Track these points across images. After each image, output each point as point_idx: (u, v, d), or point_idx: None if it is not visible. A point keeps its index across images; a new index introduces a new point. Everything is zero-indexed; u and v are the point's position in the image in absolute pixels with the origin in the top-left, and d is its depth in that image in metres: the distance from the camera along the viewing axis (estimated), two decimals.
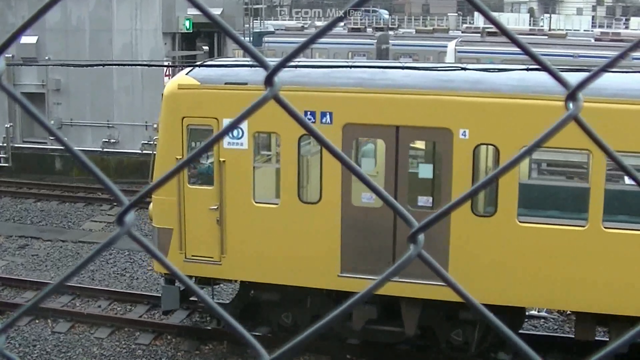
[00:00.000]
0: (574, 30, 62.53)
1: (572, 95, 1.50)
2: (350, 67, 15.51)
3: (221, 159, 14.96)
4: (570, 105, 1.50)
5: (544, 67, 1.49)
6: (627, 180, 16.27)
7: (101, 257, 21.95)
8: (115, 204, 27.16)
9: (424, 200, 14.54)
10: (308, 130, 1.57)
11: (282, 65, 1.53)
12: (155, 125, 30.89)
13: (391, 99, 14.27)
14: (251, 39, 38.38)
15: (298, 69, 15.42)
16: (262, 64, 1.57)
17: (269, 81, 1.54)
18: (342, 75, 14.82)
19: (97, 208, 27.05)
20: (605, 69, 1.48)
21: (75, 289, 19.49)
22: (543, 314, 17.57)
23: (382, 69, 15.33)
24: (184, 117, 14.98)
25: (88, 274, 20.80)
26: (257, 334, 16.41)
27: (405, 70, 15.05)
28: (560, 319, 17.88)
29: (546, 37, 42.99)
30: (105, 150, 31.92)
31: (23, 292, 19.39)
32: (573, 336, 16.95)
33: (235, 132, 14.79)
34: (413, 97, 14.17)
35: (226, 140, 14.87)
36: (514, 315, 15.19)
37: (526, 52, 1.47)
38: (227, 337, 16.71)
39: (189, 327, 17.45)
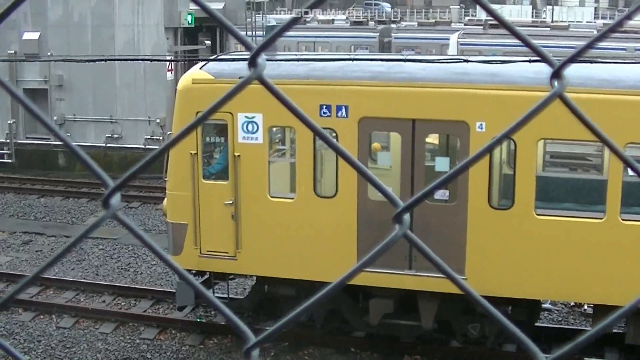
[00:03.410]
0: (577, 21, 62.41)
1: (556, 73, 1.50)
2: (353, 59, 15.49)
3: (236, 154, 14.92)
4: (556, 83, 1.50)
5: (529, 46, 1.49)
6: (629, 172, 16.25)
7: (105, 253, 22.00)
8: None
9: (440, 194, 14.48)
10: (297, 115, 1.56)
11: (264, 46, 1.53)
12: (158, 120, 30.95)
13: (407, 92, 14.22)
14: (264, 32, 38.32)
15: (314, 62, 15.40)
16: (246, 46, 1.56)
17: (252, 62, 1.54)
18: (358, 69, 14.76)
19: (100, 203, 26.96)
20: (588, 47, 1.48)
21: (79, 285, 19.53)
22: (547, 305, 17.56)
23: (398, 62, 15.27)
24: (198, 112, 14.88)
25: (92, 269, 20.85)
26: (267, 328, 16.45)
27: (421, 64, 15.01)
28: (564, 311, 17.87)
29: (549, 29, 42.92)
30: (108, 145, 31.95)
31: (27, 287, 19.34)
32: (577, 328, 17.00)
33: (250, 127, 14.77)
34: (429, 90, 14.12)
35: (241, 134, 14.84)
36: (531, 307, 15.20)
37: (511, 30, 1.47)
38: (232, 331, 16.70)
39: (193, 321, 17.46)
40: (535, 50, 1.49)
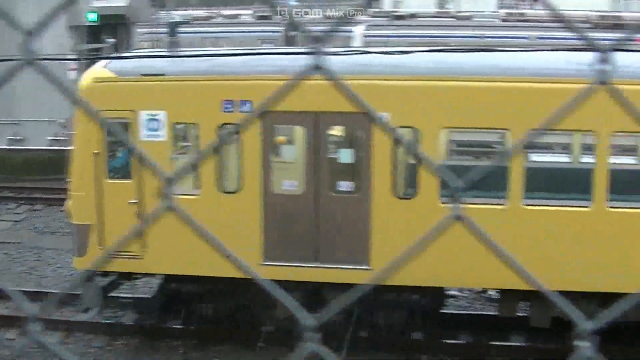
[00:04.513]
0: (480, 11, 63.13)
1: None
2: (256, 54, 15.44)
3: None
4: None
5: None
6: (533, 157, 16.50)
7: (9, 257, 21.59)
8: (22, 202, 26.64)
9: (345, 185, 14.52)
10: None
11: (41, 26, 1.46)
12: (61, 121, 30.47)
13: (310, 85, 14.17)
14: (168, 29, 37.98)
15: (215, 58, 15.30)
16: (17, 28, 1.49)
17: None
18: (262, 63, 14.72)
19: (3, 207, 26.41)
20: None
21: None
22: (453, 292, 17.73)
23: (300, 55, 15.24)
24: (100, 111, 14.73)
25: None
26: (177, 326, 16.35)
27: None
28: (471, 296, 18.06)
29: (453, 19, 43.41)
30: (11, 147, 31.30)
31: None
32: (484, 313, 17.22)
33: (153, 124, 14.62)
34: (330, 83, 14.10)
35: (144, 132, 14.69)
36: (435, 295, 15.31)
37: None
38: (140, 331, 16.57)
39: (100, 322, 17.20)
40: None
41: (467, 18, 43.34)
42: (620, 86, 2.01)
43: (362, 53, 14.99)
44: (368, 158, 14.17)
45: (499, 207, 13.96)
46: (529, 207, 13.88)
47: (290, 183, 14.59)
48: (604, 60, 1.95)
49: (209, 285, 15.35)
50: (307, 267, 14.49)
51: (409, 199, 14.20)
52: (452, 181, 1.52)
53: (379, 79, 13.95)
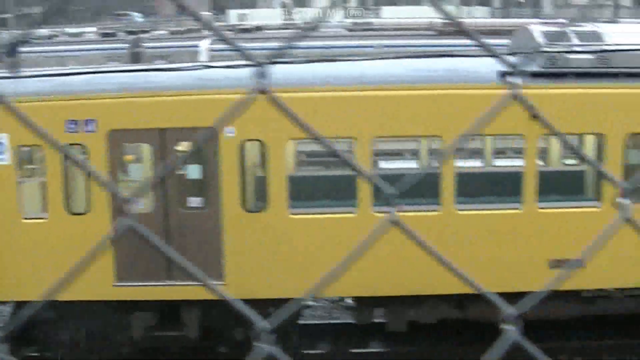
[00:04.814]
0: (328, 22, 63.75)
1: None
2: (101, 72, 15.14)
3: None
4: None
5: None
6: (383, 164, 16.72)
7: None
8: None
9: (195, 201, 14.39)
10: None
11: None
12: None
13: (154, 102, 14.05)
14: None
15: (56, 77, 14.93)
16: None
17: None
18: (105, 81, 14.48)
19: None
20: None
21: None
22: (310, 302, 17.75)
23: (144, 72, 15.04)
24: None
25: None
26: (33, 354, 15.87)
27: (167, 72, 14.89)
28: (329, 306, 18.12)
29: (300, 30, 43.68)
30: None
31: None
32: (341, 322, 17.32)
33: None
34: (175, 99, 14.02)
35: None
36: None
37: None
38: (15, 354, 16.04)
39: None
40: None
41: (313, 29, 43.65)
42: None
43: (205, 67, 14.88)
44: (216, 173, 14.11)
45: (349, 215, 14.09)
46: (379, 214, 14.02)
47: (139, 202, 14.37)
48: (261, 72, 2.07)
49: (62, 310, 14.96)
50: (161, 285, 14.30)
51: (259, 211, 14.19)
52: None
53: (223, 93, 13.90)
